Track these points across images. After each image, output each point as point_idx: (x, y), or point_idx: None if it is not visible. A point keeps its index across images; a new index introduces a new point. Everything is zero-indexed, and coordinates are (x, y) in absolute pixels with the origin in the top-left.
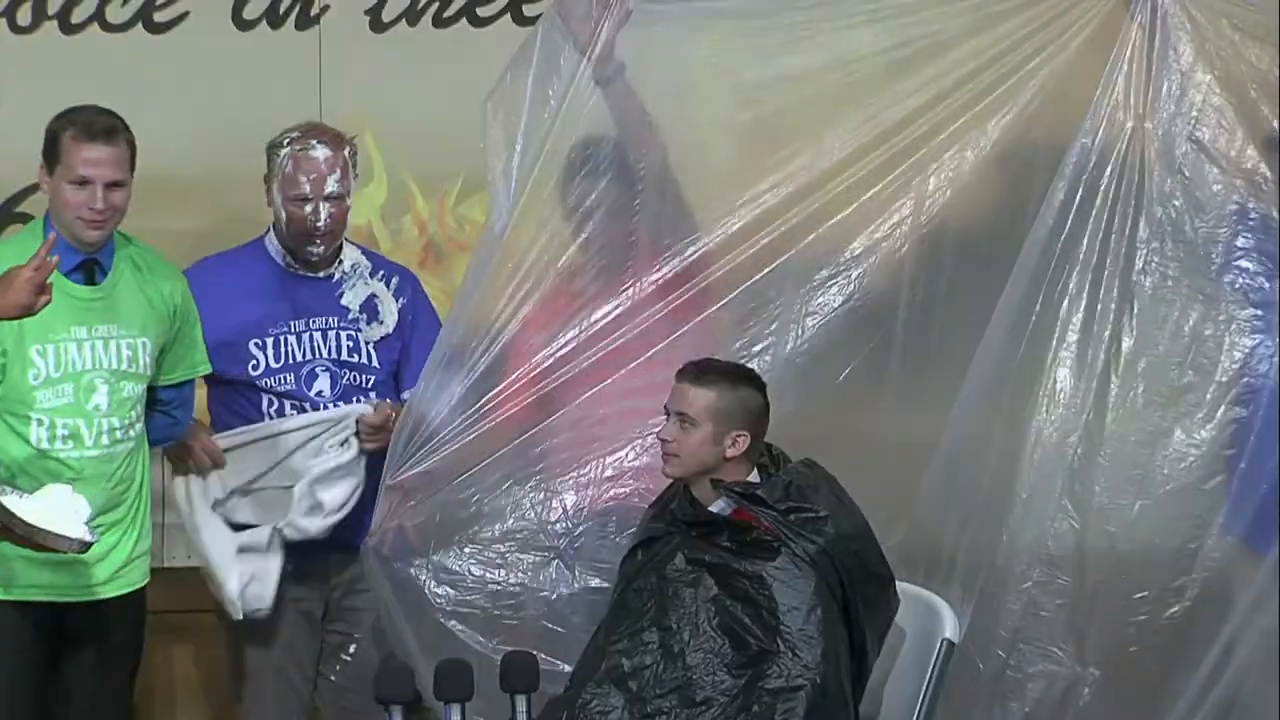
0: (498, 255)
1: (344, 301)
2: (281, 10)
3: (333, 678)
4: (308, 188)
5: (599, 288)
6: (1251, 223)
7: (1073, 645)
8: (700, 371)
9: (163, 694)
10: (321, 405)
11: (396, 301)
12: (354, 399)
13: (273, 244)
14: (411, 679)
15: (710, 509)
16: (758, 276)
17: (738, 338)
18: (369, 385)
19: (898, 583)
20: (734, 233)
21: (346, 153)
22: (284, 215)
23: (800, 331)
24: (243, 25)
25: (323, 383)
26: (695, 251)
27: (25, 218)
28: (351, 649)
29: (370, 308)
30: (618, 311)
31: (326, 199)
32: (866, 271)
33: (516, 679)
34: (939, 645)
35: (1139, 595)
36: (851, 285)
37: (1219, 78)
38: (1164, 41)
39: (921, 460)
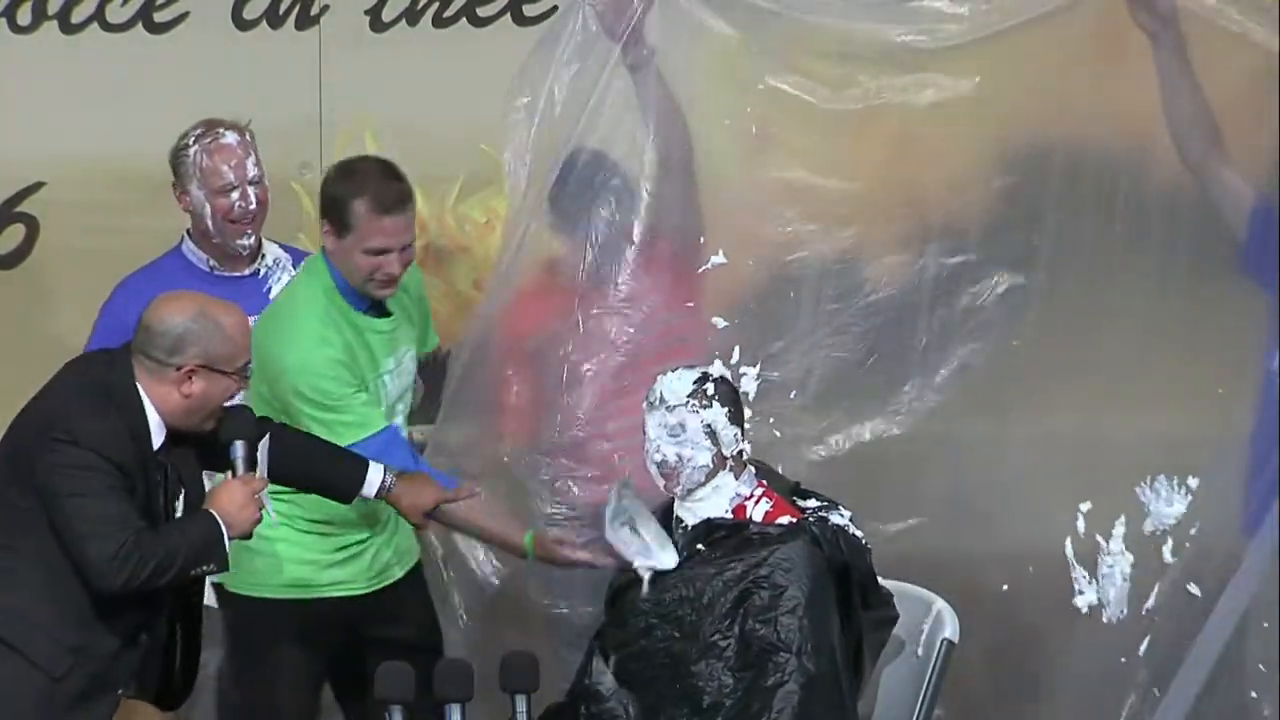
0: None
1: (273, 295)
2: (281, 10)
3: None
4: (231, 175)
5: (597, 283)
6: (1260, 223)
7: (1079, 644)
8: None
9: None
10: None
11: None
12: None
13: (192, 251)
14: (412, 678)
15: (708, 514)
16: (765, 277)
17: (742, 339)
18: None
19: (898, 582)
20: (741, 230)
21: (249, 137)
22: (208, 209)
23: (808, 333)
24: (243, 25)
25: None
26: (702, 249)
27: (26, 218)
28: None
29: None
30: (620, 308)
31: (250, 183)
32: (873, 273)
33: (516, 679)
34: (939, 645)
35: (1147, 597)
36: (857, 287)
37: (1220, 77)
38: (1166, 43)
39: (923, 461)
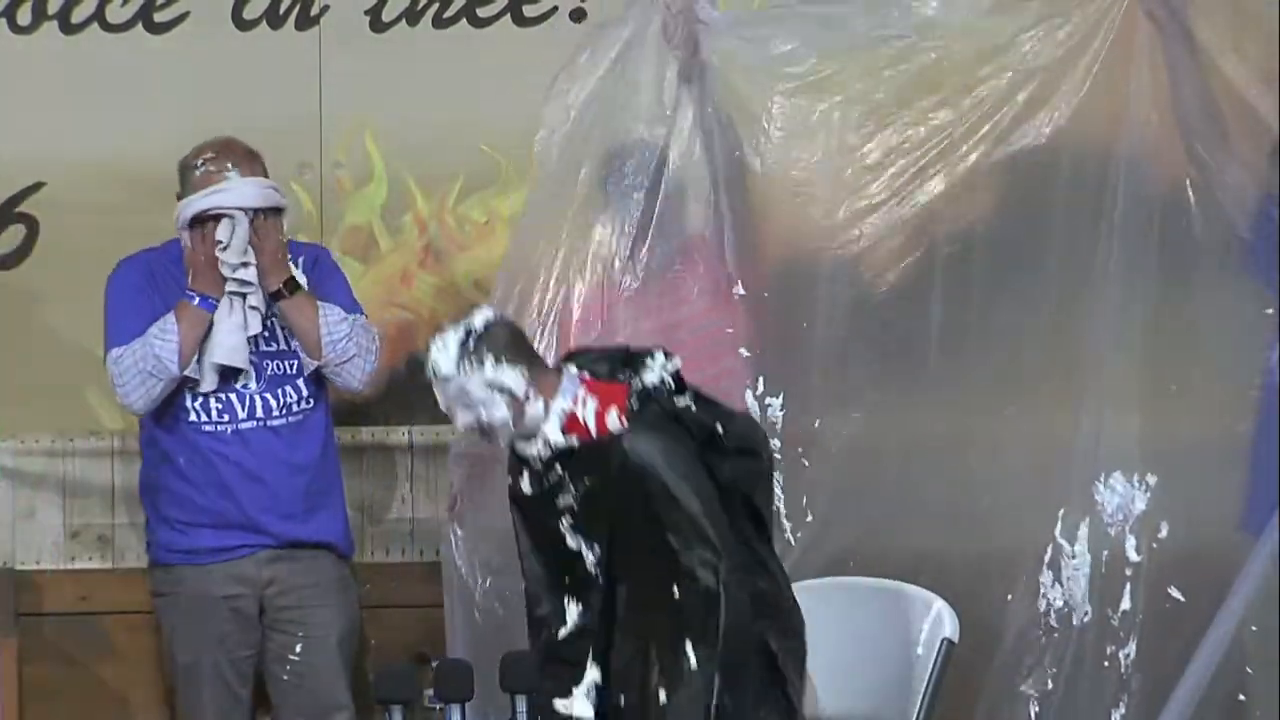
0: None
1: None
2: (281, 10)
3: (284, 677)
4: None
5: (648, 286)
6: (1264, 221)
7: (1076, 643)
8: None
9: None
10: (248, 397)
11: (306, 277)
12: (280, 388)
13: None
14: (412, 678)
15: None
16: (778, 299)
17: (764, 367)
18: (294, 372)
19: (900, 583)
20: (766, 236)
21: (258, 167)
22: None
23: (821, 337)
24: (243, 25)
25: (247, 376)
26: (739, 254)
27: (26, 218)
28: (298, 648)
29: None
30: (660, 305)
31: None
32: (885, 276)
33: (516, 679)
34: (939, 645)
35: (1119, 598)
36: (870, 290)
37: (1225, 75)
38: (1174, 33)
39: (925, 461)
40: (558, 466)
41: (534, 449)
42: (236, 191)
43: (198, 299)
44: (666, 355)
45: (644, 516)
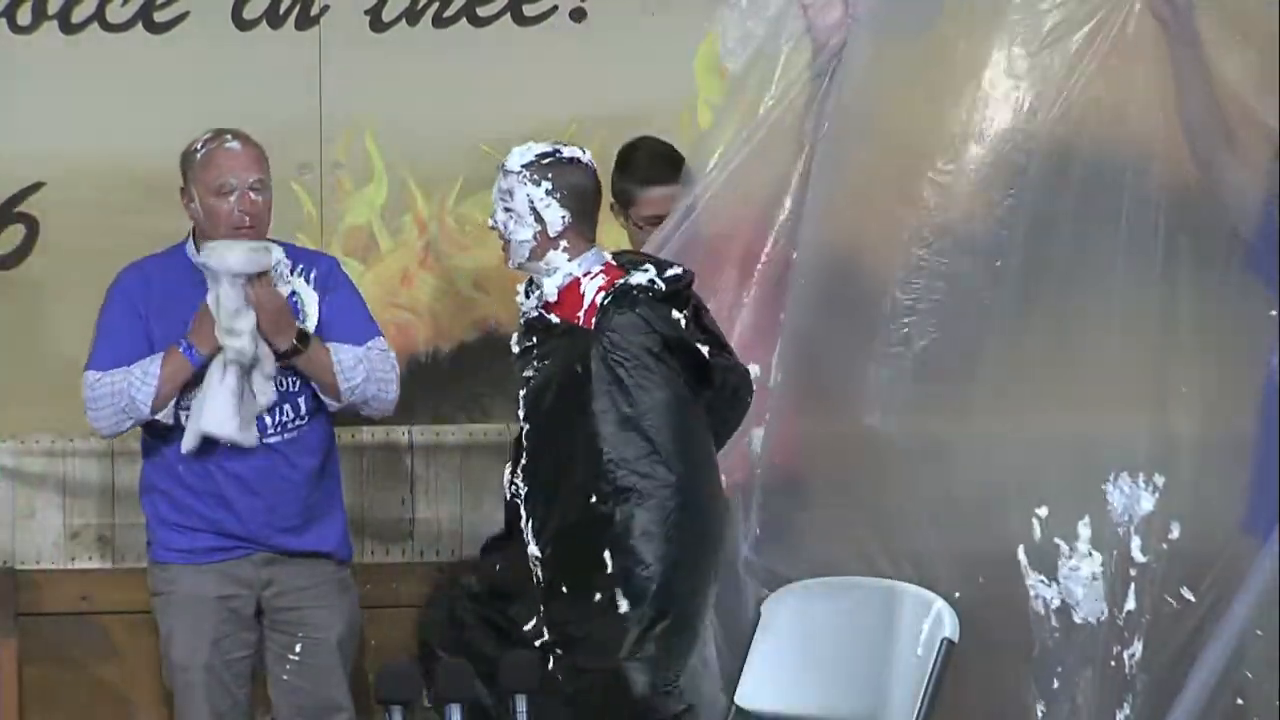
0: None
1: None
2: (281, 10)
3: (285, 677)
4: (232, 178)
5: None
6: (1266, 223)
7: (1080, 643)
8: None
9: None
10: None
11: (318, 295)
12: (278, 405)
13: (194, 253)
14: (413, 678)
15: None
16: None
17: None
18: (295, 389)
19: (900, 583)
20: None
21: (257, 149)
22: (203, 214)
23: (823, 334)
24: (243, 25)
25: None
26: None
27: (26, 218)
28: (297, 649)
29: (292, 307)
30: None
31: (251, 188)
32: (887, 275)
33: (515, 679)
34: (939, 645)
35: (1125, 597)
36: (872, 289)
37: (1230, 76)
38: (1180, 35)
39: (926, 460)
40: (533, 337)
41: (530, 303)
42: (218, 256)
43: (185, 348)
44: (685, 273)
45: (582, 415)
